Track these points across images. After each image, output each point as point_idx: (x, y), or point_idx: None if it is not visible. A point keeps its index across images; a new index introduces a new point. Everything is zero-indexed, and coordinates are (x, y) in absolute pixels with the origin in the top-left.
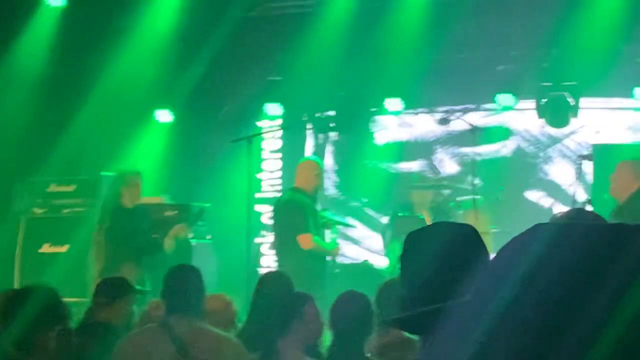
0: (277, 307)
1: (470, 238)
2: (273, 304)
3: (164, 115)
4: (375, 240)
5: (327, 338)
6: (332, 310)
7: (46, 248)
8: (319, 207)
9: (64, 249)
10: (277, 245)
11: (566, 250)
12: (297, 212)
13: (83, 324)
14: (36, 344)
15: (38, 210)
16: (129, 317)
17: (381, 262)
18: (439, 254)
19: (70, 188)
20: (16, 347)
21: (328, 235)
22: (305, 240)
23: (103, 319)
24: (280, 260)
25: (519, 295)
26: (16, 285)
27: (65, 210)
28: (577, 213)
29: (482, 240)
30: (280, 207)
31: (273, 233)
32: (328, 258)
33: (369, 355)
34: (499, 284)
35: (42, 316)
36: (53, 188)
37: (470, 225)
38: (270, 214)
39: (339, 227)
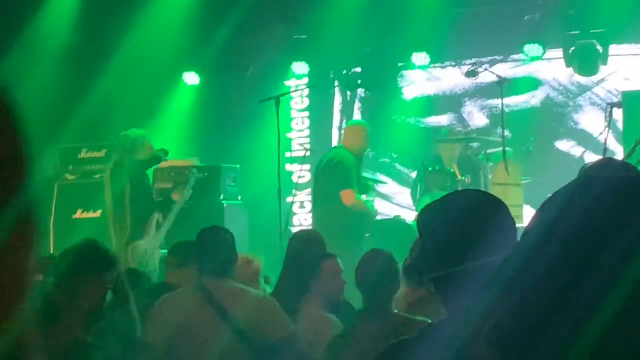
0: (301, 266)
1: (489, 203)
2: (300, 264)
3: (191, 78)
4: (406, 195)
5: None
6: (357, 269)
7: (80, 214)
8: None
9: (97, 214)
10: (316, 201)
11: (590, 199)
12: (342, 168)
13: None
14: (78, 288)
15: (70, 177)
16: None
17: (412, 217)
18: (460, 218)
19: (100, 154)
20: (58, 290)
21: (364, 198)
22: (349, 196)
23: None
24: (317, 217)
25: (546, 238)
26: (52, 251)
27: (97, 176)
28: (607, 162)
29: (501, 205)
30: (326, 163)
31: (313, 189)
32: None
33: (396, 311)
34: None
35: (81, 261)
36: (84, 154)
37: (487, 193)
38: (315, 170)
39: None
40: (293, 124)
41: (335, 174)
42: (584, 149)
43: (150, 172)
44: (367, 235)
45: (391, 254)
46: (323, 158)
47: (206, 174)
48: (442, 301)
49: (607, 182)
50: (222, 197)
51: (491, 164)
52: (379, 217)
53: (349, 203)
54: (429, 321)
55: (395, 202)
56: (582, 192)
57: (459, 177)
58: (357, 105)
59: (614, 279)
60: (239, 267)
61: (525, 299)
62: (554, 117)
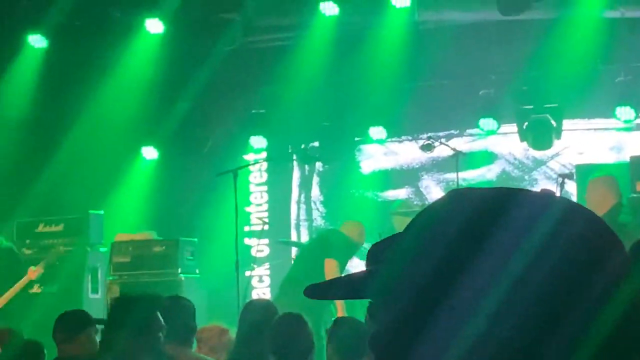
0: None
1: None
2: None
3: (149, 152)
4: (363, 268)
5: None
6: (270, 334)
7: (36, 288)
8: (297, 236)
9: (54, 288)
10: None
11: (575, 230)
12: (341, 244)
13: None
14: None
15: (27, 251)
16: (95, 348)
17: None
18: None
19: (58, 228)
20: None
21: None
22: (330, 265)
23: (67, 355)
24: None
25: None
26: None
27: (54, 250)
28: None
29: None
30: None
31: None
32: None
33: None
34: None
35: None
36: (41, 228)
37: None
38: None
39: None
40: (252, 198)
41: (330, 246)
42: None
43: (107, 245)
44: None
45: (301, 316)
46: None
47: (164, 247)
48: None
49: (591, 223)
50: (179, 270)
51: None
52: None
53: (328, 272)
54: None
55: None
56: (561, 230)
57: None
58: (316, 179)
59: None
60: (213, 337)
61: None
62: None
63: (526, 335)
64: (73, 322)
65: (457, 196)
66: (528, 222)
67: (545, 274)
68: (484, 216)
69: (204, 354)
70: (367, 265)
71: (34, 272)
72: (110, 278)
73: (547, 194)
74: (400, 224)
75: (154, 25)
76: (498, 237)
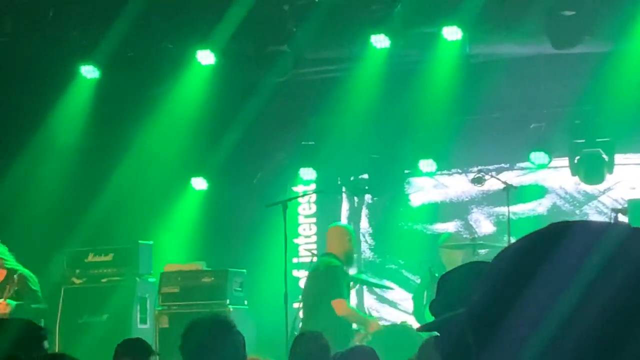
0: None
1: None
2: None
3: (199, 183)
4: (411, 302)
5: None
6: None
7: (86, 318)
8: (353, 271)
9: (103, 318)
10: (305, 311)
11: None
12: (332, 277)
13: None
14: None
15: (77, 280)
16: None
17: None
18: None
19: (108, 257)
20: None
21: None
22: (340, 306)
23: None
24: (304, 326)
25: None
26: None
27: (104, 280)
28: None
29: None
30: (314, 272)
31: (301, 298)
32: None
33: None
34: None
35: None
36: (91, 258)
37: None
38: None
39: (378, 289)
40: (300, 230)
41: (325, 283)
42: None
43: (156, 275)
44: (369, 338)
45: (374, 351)
46: (312, 266)
47: (213, 278)
48: None
49: None
50: (228, 301)
51: None
52: (386, 323)
53: (342, 313)
54: None
55: (402, 308)
56: (621, 258)
57: None
58: (364, 212)
59: None
60: None
61: None
62: None
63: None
64: (138, 349)
65: (543, 230)
66: (588, 250)
67: (608, 295)
68: (540, 247)
69: None
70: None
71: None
72: (159, 308)
73: (607, 222)
74: (448, 258)
75: (206, 57)
76: (557, 267)
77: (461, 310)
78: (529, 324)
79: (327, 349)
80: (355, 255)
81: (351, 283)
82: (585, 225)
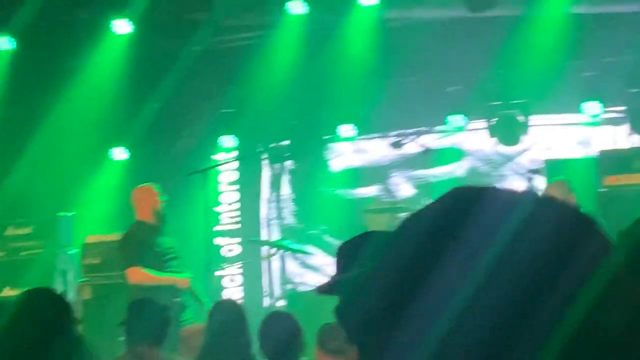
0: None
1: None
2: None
3: (119, 153)
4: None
5: None
6: (259, 333)
7: (7, 292)
8: (268, 235)
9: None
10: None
11: (549, 226)
12: (121, 247)
13: None
14: None
15: None
16: None
17: None
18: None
19: (27, 230)
20: None
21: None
22: (132, 274)
23: None
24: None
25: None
26: None
27: (23, 253)
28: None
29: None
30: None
31: None
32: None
33: None
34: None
35: None
36: (10, 231)
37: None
38: None
39: (301, 255)
40: (222, 198)
41: (119, 257)
42: None
43: (77, 247)
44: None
45: (291, 315)
46: None
47: None
48: None
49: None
50: None
51: None
52: (306, 289)
53: (133, 281)
54: None
55: (325, 273)
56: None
57: None
58: (286, 178)
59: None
60: (191, 336)
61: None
62: None
63: (498, 328)
64: None
65: (447, 197)
66: (497, 220)
67: (516, 268)
68: (451, 217)
69: (185, 353)
70: (337, 262)
71: None
72: (81, 280)
73: (517, 191)
74: (372, 222)
75: (122, 26)
76: (466, 236)
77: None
78: (439, 298)
79: (244, 316)
80: (276, 221)
81: (273, 249)
82: (492, 194)
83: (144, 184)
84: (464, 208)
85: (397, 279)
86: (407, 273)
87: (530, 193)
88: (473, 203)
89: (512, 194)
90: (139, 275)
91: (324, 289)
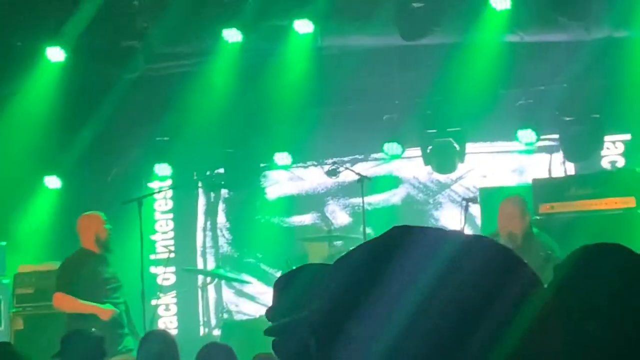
0: None
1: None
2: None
3: (52, 181)
4: (271, 295)
5: None
6: None
7: None
8: (204, 264)
9: None
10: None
11: (476, 262)
12: (62, 271)
13: None
14: None
15: None
16: None
17: None
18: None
19: None
20: None
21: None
22: (56, 299)
23: None
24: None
25: (428, 301)
26: None
27: None
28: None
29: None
30: None
31: None
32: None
33: None
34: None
35: None
36: None
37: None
38: None
39: (237, 284)
40: (157, 226)
41: (55, 280)
42: None
43: (10, 277)
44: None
45: (227, 347)
46: None
47: None
48: None
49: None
50: None
51: None
52: (244, 318)
53: (58, 305)
54: None
55: (261, 302)
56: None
57: None
58: (221, 206)
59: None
60: None
61: None
62: (415, 214)
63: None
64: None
65: (383, 236)
66: (427, 259)
67: (445, 305)
68: (384, 255)
69: None
70: (274, 292)
71: None
72: (14, 310)
73: (449, 231)
74: (313, 250)
75: (55, 54)
76: (396, 274)
77: (303, 314)
78: (370, 330)
79: (175, 346)
80: (211, 250)
81: (208, 278)
82: (423, 233)
83: (90, 211)
84: (397, 245)
85: (330, 312)
86: (339, 308)
87: (461, 233)
88: (407, 242)
89: (444, 233)
90: (62, 301)
91: (270, 331)
